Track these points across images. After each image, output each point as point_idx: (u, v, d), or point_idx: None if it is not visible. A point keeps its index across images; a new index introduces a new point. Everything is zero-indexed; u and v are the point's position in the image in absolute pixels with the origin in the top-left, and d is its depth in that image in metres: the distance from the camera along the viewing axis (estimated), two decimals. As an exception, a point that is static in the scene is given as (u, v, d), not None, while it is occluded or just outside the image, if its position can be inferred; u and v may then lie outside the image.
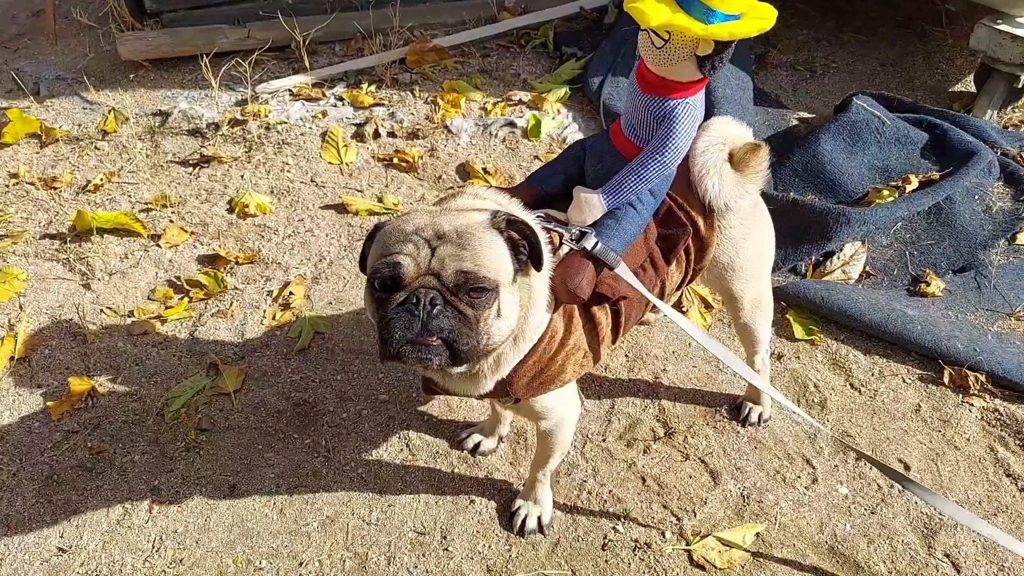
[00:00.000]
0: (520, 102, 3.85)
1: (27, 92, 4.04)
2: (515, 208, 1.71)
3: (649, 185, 1.75)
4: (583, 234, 1.71)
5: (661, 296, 1.92)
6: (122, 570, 2.08)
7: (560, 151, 2.05)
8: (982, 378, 2.43)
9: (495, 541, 2.12)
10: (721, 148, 1.83)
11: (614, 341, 1.90)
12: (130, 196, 3.41)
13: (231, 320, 2.80)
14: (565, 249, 1.74)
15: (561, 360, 1.75)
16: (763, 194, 2.83)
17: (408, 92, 3.97)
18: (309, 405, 2.49)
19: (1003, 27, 3.29)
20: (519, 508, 2.12)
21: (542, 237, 1.68)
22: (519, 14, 4.51)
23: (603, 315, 1.82)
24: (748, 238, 1.98)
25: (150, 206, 3.32)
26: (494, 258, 1.52)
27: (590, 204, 1.74)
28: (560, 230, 1.73)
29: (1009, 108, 3.62)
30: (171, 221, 3.24)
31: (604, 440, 2.35)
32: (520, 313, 1.61)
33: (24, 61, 4.44)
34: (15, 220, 3.27)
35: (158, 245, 3.13)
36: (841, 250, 2.81)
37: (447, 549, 2.10)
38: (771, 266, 2.13)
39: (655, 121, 1.71)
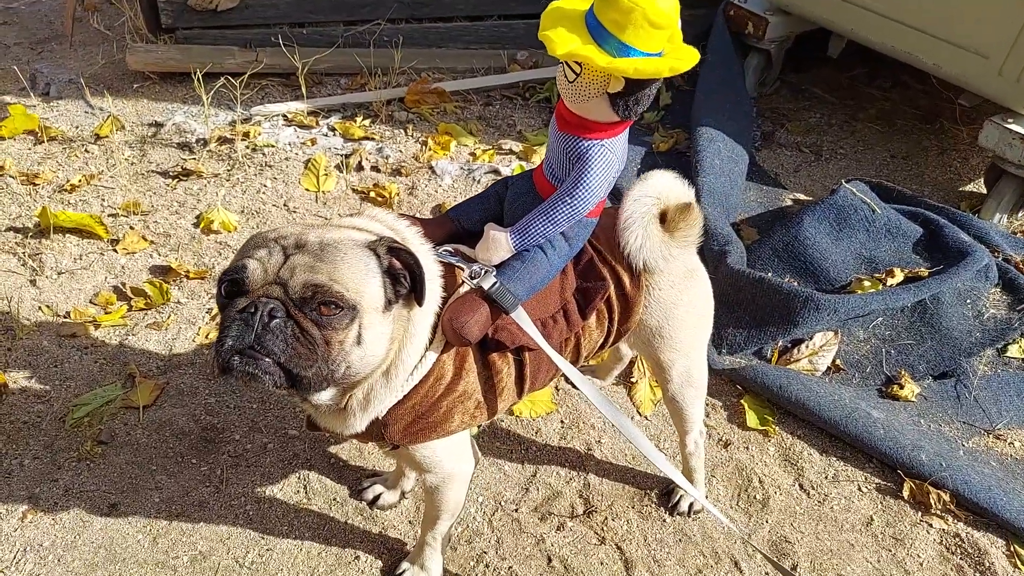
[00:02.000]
0: (510, 151, 3.78)
1: (38, 91, 4.09)
2: (410, 236, 1.58)
3: (558, 228, 1.62)
4: (484, 272, 1.58)
5: (576, 354, 1.76)
6: (-28, 581, 1.93)
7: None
8: (945, 497, 2.19)
9: (377, 606, 1.93)
10: (653, 202, 1.70)
11: (520, 395, 1.73)
12: (103, 200, 3.37)
13: (164, 333, 2.70)
14: (464, 288, 1.60)
15: (447, 407, 1.59)
16: (732, 269, 2.70)
17: (401, 130, 3.93)
18: (216, 431, 2.34)
19: (1013, 127, 3.13)
20: (403, 572, 1.92)
21: (435, 270, 1.55)
22: (529, 67, 4.49)
23: (504, 364, 1.66)
24: (679, 304, 1.82)
25: (119, 211, 3.28)
26: (356, 278, 1.38)
27: (497, 243, 1.62)
28: (460, 265, 1.61)
29: (1020, 212, 3.42)
30: (132, 228, 3.18)
31: (517, 510, 2.16)
32: (392, 347, 1.47)
33: (44, 63, 4.54)
34: (-13, 210, 3.25)
35: (115, 250, 3.07)
36: (811, 338, 2.61)
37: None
38: (706, 339, 1.96)
39: (569, 161, 1.60)
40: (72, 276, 2.93)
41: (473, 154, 3.76)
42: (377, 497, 2.13)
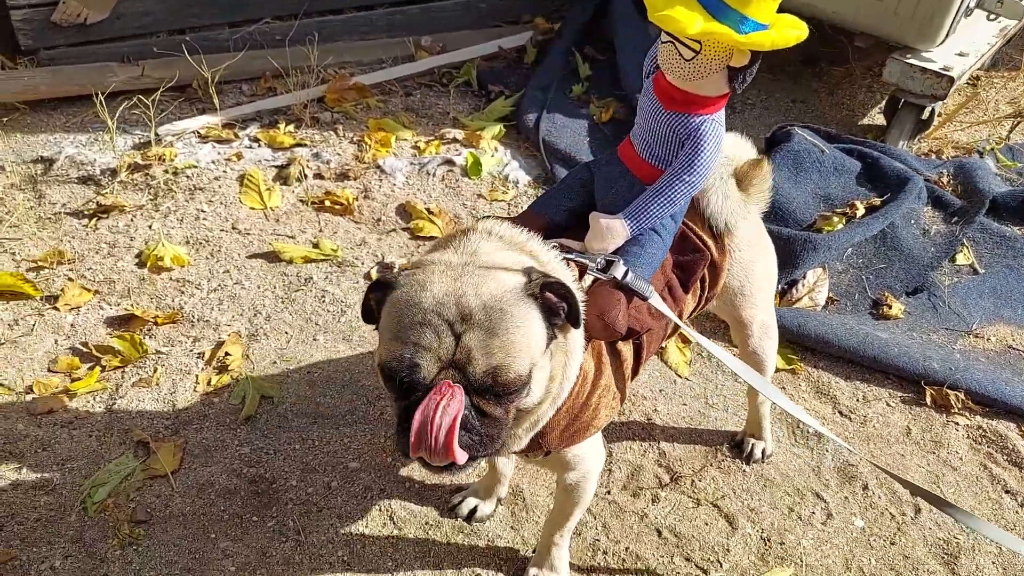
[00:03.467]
0: (454, 140, 3.69)
1: None
2: (543, 252, 1.51)
3: (676, 208, 1.62)
4: (609, 263, 1.55)
5: (674, 327, 1.79)
6: None
7: (501, 187, 1.92)
8: (962, 396, 2.46)
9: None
10: (727, 161, 1.74)
11: (633, 378, 1.74)
12: (14, 254, 2.92)
13: (157, 389, 2.40)
14: (587, 280, 1.57)
15: (595, 404, 1.57)
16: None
17: (331, 131, 3.71)
18: (267, 481, 2.14)
19: (913, 61, 3.50)
20: None
21: (569, 277, 1.51)
22: (436, 53, 4.38)
23: (627, 350, 1.66)
24: (755, 261, 1.89)
25: (40, 264, 2.85)
26: (528, 342, 1.32)
27: (612, 230, 1.59)
28: (584, 260, 1.57)
29: (917, 139, 3.84)
30: (69, 280, 2.79)
31: (609, 492, 2.16)
32: (557, 374, 1.44)
33: None
34: None
35: (55, 308, 2.67)
36: (804, 277, 2.81)
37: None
38: (774, 291, 2.06)
39: (678, 140, 1.60)
40: (16, 345, 2.53)
41: (417, 147, 3.63)
42: (473, 510, 2.05)
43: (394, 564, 1.96)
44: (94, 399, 2.36)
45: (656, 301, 1.58)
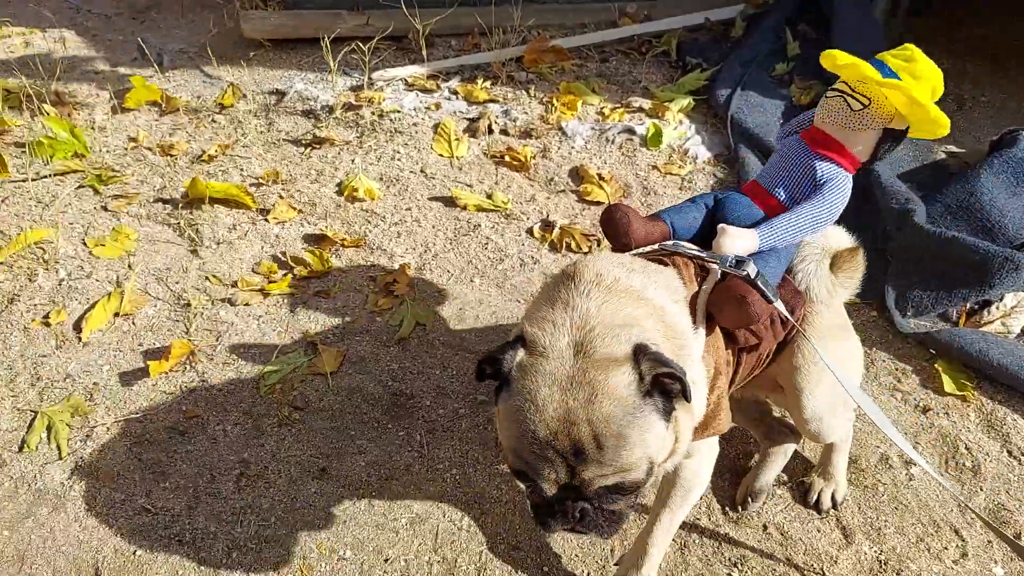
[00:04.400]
0: (640, 109, 3.69)
1: (152, 62, 4.12)
2: (652, 293, 1.49)
3: (801, 235, 1.73)
4: (740, 261, 1.59)
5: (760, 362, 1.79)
6: (204, 538, 1.99)
7: (678, 161, 2.06)
8: None
9: (593, 567, 1.94)
10: (825, 242, 1.81)
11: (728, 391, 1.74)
12: (242, 169, 3.40)
13: (332, 301, 2.72)
14: (708, 284, 1.61)
15: (713, 402, 1.60)
16: (920, 228, 2.60)
17: (523, 91, 3.86)
18: (405, 396, 2.37)
19: None
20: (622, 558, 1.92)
21: (688, 320, 1.53)
22: (641, 21, 4.36)
23: (732, 356, 1.69)
24: (828, 345, 1.77)
25: (260, 181, 3.30)
26: (645, 452, 1.33)
27: (743, 237, 1.66)
28: (713, 258, 1.62)
29: None
30: (280, 197, 3.20)
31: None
32: (682, 433, 1.46)
33: (149, 33, 4.56)
34: (131, 182, 3.30)
35: (266, 219, 3.09)
36: (1001, 299, 2.52)
37: (543, 569, 1.93)
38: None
39: (814, 183, 1.72)
40: (231, 246, 2.97)
41: (601, 113, 3.68)
42: None
43: (499, 493, 2.10)
44: (282, 300, 2.73)
45: (780, 307, 1.60)
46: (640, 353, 1.32)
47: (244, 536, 2.00)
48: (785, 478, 2.15)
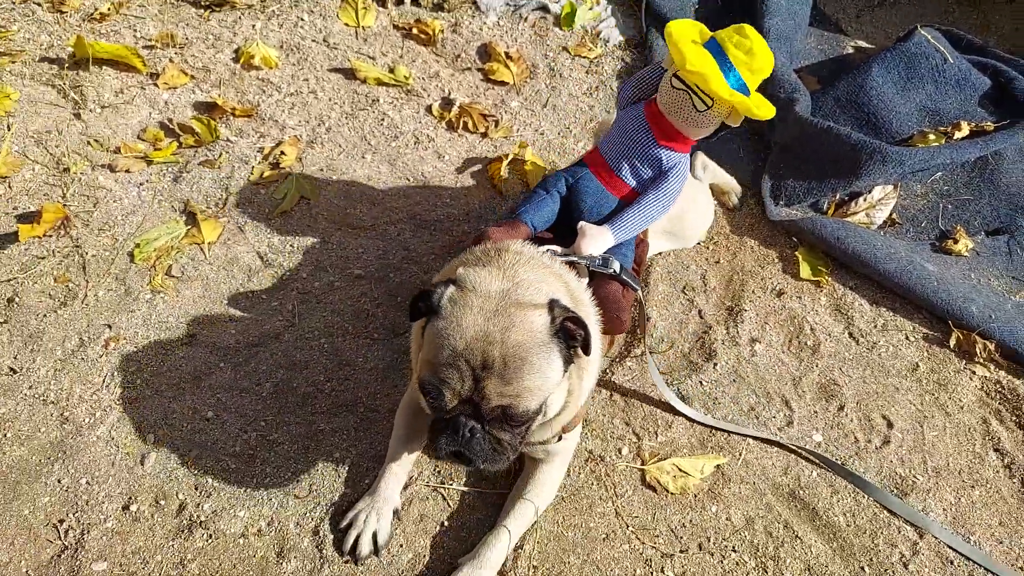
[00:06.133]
0: (558, -14, 3.56)
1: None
2: (563, 270, 1.74)
3: (648, 225, 1.91)
4: (606, 260, 1.82)
5: None
6: (69, 399, 2.05)
7: (589, 43, 2.15)
8: (991, 346, 2.27)
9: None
10: None
11: None
12: (135, 30, 3.23)
13: (217, 171, 2.68)
14: (584, 277, 1.86)
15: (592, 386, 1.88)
16: (800, 118, 2.62)
17: (441, -40, 3.68)
18: (281, 267, 2.40)
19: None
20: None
21: (588, 298, 1.76)
22: None
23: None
24: None
25: (153, 43, 3.15)
26: (542, 384, 1.51)
27: (603, 237, 1.84)
28: (582, 261, 1.81)
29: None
30: (171, 61, 3.07)
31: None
32: (575, 387, 1.65)
33: None
34: (16, 39, 3.12)
35: (155, 84, 2.98)
36: (870, 191, 2.59)
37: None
38: None
39: (653, 167, 1.89)
40: (116, 110, 2.87)
41: (519, -11, 3.55)
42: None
43: (364, 360, 2.18)
44: (166, 169, 2.68)
45: (640, 293, 1.92)
46: (555, 304, 1.55)
47: (109, 398, 2.06)
48: (638, 351, 2.27)
